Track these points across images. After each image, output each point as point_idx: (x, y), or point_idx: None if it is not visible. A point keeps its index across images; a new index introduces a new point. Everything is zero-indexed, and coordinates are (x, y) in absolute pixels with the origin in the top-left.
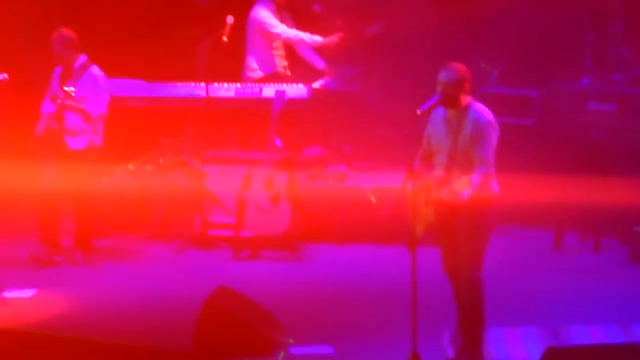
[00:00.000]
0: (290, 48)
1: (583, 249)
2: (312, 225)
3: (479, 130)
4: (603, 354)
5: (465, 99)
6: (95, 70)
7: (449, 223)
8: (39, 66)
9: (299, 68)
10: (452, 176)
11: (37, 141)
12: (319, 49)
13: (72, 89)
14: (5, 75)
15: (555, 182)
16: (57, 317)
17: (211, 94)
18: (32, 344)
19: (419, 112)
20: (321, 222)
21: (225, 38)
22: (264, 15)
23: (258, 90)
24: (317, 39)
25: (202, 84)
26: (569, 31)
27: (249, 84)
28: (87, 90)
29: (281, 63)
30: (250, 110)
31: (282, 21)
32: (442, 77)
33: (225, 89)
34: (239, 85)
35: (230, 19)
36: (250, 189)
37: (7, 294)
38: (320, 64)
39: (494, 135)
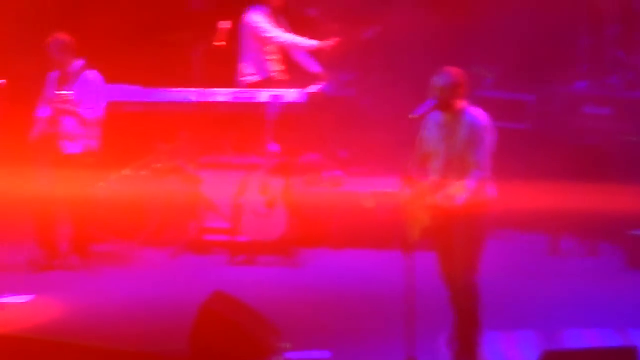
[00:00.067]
0: (285, 53)
1: (579, 253)
2: (308, 230)
3: (474, 135)
4: (599, 357)
5: (461, 104)
6: (91, 74)
7: (444, 228)
8: (35, 71)
9: (295, 73)
10: (448, 181)
11: (33, 145)
12: (314, 54)
13: (67, 93)
14: (4, 81)
15: (552, 186)
16: (53, 322)
17: (207, 99)
18: (28, 349)
19: (414, 116)
20: (317, 227)
21: (220, 43)
22: (258, 19)
23: (253, 95)
24: (313, 43)
25: (198, 89)
26: (564, 35)
27: (245, 89)
28: (83, 94)
29: (276, 68)
30: (246, 115)
31: (277, 25)
32: (438, 81)
33: (221, 94)
34: (234, 90)
35: (225, 24)
36: (246, 194)
37: (4, 299)
38: (315, 68)
39: (489, 140)
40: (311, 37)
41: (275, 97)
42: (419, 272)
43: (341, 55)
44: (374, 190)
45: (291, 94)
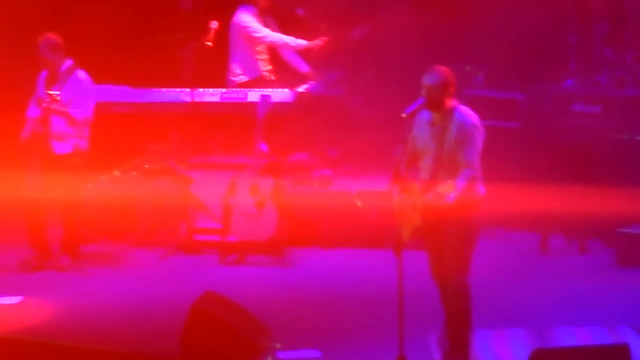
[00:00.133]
0: (274, 52)
1: (569, 251)
2: (298, 230)
3: (464, 134)
4: (590, 355)
5: (450, 102)
6: (81, 74)
7: (435, 227)
8: (25, 71)
9: (284, 72)
10: (438, 180)
11: (23, 146)
12: (303, 53)
13: (57, 93)
14: None
15: (541, 185)
16: (44, 323)
17: (196, 99)
18: (18, 350)
19: (403, 115)
20: (307, 226)
21: (209, 43)
22: (247, 19)
23: (243, 95)
24: (301, 42)
25: (187, 89)
26: (553, 33)
27: (234, 89)
28: (73, 95)
29: (265, 67)
30: (235, 115)
31: (265, 25)
32: (427, 80)
33: (210, 94)
34: (223, 90)
35: (214, 24)
36: (236, 194)
37: None
38: (304, 68)
39: (479, 139)
40: (300, 37)
41: (265, 96)
42: (410, 271)
43: (330, 54)
44: (363, 190)
45: (280, 94)
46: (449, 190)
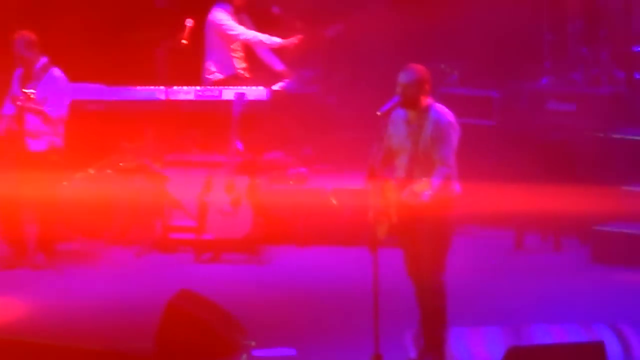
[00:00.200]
0: (249, 50)
1: (544, 249)
2: (274, 228)
3: (439, 132)
4: (565, 353)
5: (426, 100)
6: (56, 72)
7: (410, 225)
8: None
9: (259, 70)
10: (414, 178)
11: None
12: (278, 51)
13: (32, 91)
14: None
15: (517, 182)
16: (17, 321)
17: (171, 97)
18: None
19: (379, 113)
20: (282, 224)
21: (184, 41)
22: (222, 17)
23: (218, 92)
24: (276, 40)
25: (162, 87)
26: (528, 31)
27: (209, 87)
28: (48, 92)
29: (240, 65)
30: (210, 113)
31: (240, 23)
32: (402, 78)
33: (185, 92)
34: (198, 88)
35: (189, 22)
36: (211, 192)
37: None
38: (279, 65)
39: (454, 136)
40: (275, 35)
41: (240, 94)
42: (385, 269)
43: (305, 52)
44: (339, 188)
45: (255, 92)
46: (424, 189)
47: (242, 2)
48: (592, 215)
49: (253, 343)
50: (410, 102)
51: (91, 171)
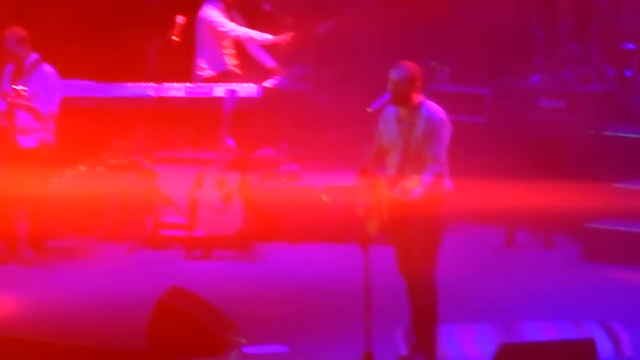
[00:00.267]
0: (240, 47)
1: (534, 246)
2: (265, 225)
3: (431, 129)
4: (556, 350)
5: (417, 97)
6: (47, 68)
7: (401, 222)
8: None
9: (250, 67)
10: (405, 175)
11: None
12: (269, 48)
13: (23, 88)
14: None
15: (507, 179)
16: (7, 318)
17: (161, 94)
18: None
19: (370, 110)
20: (273, 221)
21: (175, 38)
22: (213, 14)
23: (209, 89)
24: (267, 37)
25: (153, 84)
26: (519, 28)
27: (200, 84)
28: (38, 88)
29: (231, 62)
30: (201, 110)
31: (231, 20)
32: (393, 75)
33: (176, 89)
34: (189, 84)
35: (180, 19)
36: (202, 189)
37: None
38: (270, 62)
39: (446, 134)
40: (266, 32)
41: (231, 91)
42: (376, 266)
43: (296, 49)
44: (330, 185)
45: (246, 89)
46: (415, 186)
47: None
48: (583, 212)
49: (244, 340)
50: (402, 99)
51: (82, 168)
